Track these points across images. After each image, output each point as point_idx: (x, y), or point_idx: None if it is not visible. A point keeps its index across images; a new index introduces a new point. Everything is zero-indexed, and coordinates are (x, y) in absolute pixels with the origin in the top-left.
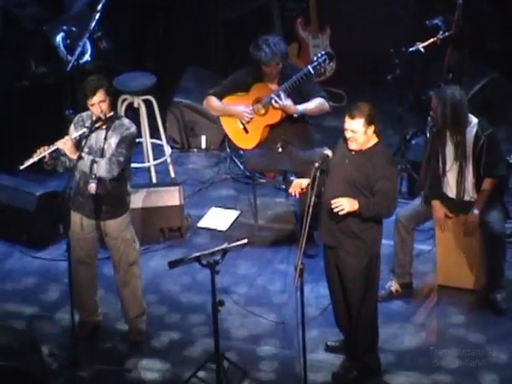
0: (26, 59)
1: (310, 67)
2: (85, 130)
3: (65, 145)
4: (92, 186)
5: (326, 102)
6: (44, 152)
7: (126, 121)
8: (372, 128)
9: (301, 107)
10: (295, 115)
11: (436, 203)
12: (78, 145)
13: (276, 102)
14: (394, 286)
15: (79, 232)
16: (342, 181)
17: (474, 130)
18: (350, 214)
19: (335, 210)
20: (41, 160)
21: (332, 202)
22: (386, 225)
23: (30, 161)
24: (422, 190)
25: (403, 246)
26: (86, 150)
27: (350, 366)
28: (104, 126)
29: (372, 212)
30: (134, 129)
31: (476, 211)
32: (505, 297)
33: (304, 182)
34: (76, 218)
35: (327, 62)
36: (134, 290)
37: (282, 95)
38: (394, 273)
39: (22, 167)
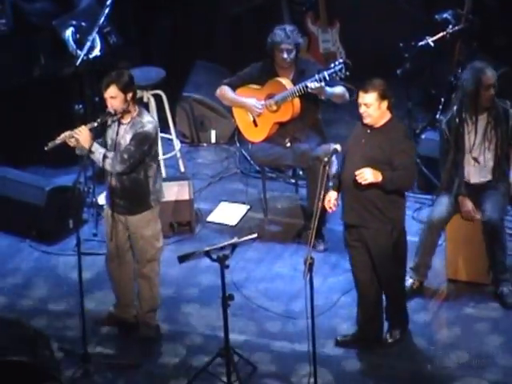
0: (35, 54)
1: (326, 73)
2: (95, 123)
3: (80, 133)
4: (111, 180)
5: (346, 91)
6: (65, 137)
7: (145, 119)
8: (385, 103)
9: (329, 90)
10: (323, 97)
11: (464, 198)
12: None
13: (312, 82)
14: (415, 283)
15: (110, 225)
16: (360, 160)
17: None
18: (373, 188)
19: (359, 181)
20: (64, 144)
21: (356, 172)
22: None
23: (53, 143)
24: (445, 190)
25: (431, 247)
26: (109, 142)
27: (391, 328)
28: (125, 121)
29: (395, 184)
30: (149, 127)
31: None
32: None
33: (332, 195)
34: (108, 210)
35: (343, 71)
36: (151, 285)
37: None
38: (417, 271)
39: (46, 148)
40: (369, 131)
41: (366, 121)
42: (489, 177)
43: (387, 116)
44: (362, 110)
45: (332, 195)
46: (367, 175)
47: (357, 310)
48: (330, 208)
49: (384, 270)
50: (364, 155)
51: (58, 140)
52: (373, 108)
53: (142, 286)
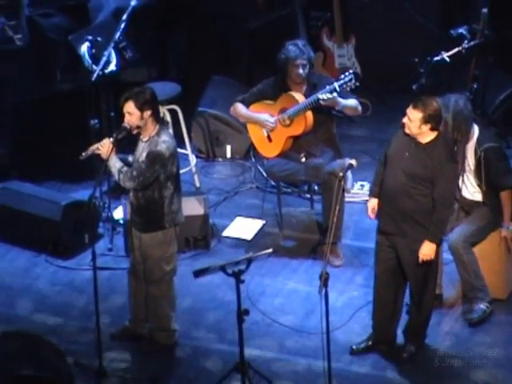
0: (51, 69)
1: (336, 85)
2: (111, 138)
3: (104, 145)
4: (131, 195)
5: (359, 104)
6: (93, 150)
7: (162, 138)
8: (428, 126)
9: (343, 101)
10: (336, 108)
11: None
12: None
13: (323, 94)
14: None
15: (131, 239)
16: (402, 172)
17: (474, 144)
18: (412, 201)
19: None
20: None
21: (420, 261)
22: None
23: (86, 153)
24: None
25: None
26: (133, 158)
27: (407, 343)
28: (144, 139)
29: (442, 228)
30: (161, 147)
31: (509, 226)
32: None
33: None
34: (130, 224)
35: (353, 81)
36: (157, 305)
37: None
38: None
39: (81, 158)
40: (414, 145)
41: (406, 131)
42: (477, 197)
43: (431, 134)
44: (404, 120)
45: (374, 202)
46: (427, 255)
47: (372, 314)
48: (374, 215)
49: (416, 280)
50: (406, 170)
51: (89, 151)
52: (413, 125)
53: (148, 305)
